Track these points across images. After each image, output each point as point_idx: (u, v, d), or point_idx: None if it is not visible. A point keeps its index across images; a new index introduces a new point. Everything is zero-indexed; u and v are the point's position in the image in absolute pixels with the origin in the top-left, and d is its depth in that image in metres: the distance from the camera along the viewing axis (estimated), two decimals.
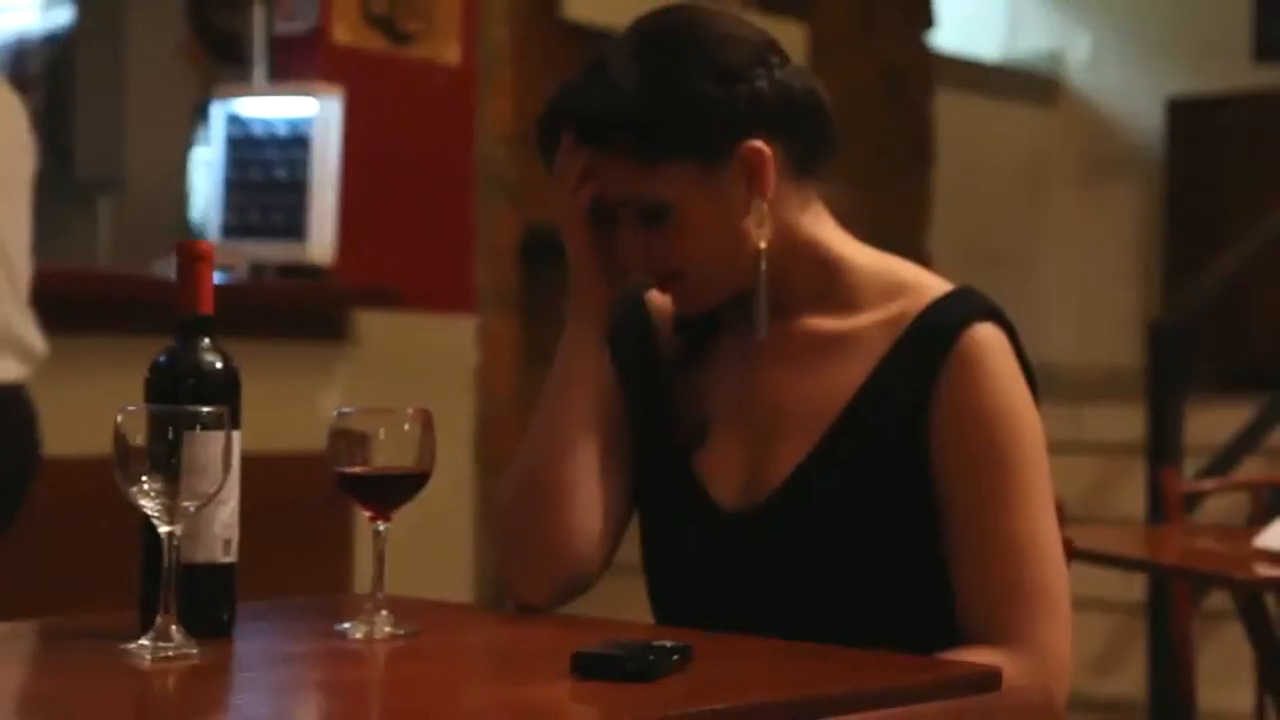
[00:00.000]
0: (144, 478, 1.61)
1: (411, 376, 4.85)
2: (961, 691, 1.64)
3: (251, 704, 1.57)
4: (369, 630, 1.75)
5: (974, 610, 1.86)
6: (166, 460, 1.61)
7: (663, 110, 1.87)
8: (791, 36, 6.47)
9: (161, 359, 1.75)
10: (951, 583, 1.87)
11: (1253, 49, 7.65)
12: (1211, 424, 5.20)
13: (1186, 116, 7.64)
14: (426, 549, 4.36)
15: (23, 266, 3.50)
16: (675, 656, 1.57)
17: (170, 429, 1.61)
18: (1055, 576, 1.86)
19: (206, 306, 1.75)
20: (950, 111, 7.28)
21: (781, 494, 1.90)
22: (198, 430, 1.62)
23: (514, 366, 5.17)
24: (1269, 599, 3.20)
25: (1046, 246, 7.97)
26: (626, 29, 1.95)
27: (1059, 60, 8.17)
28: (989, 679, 1.64)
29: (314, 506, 4.45)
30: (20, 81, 3.92)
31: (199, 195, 4.78)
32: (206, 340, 1.75)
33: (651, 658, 1.55)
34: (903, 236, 6.76)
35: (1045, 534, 1.86)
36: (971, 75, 7.83)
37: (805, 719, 1.49)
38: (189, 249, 1.75)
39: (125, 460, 1.62)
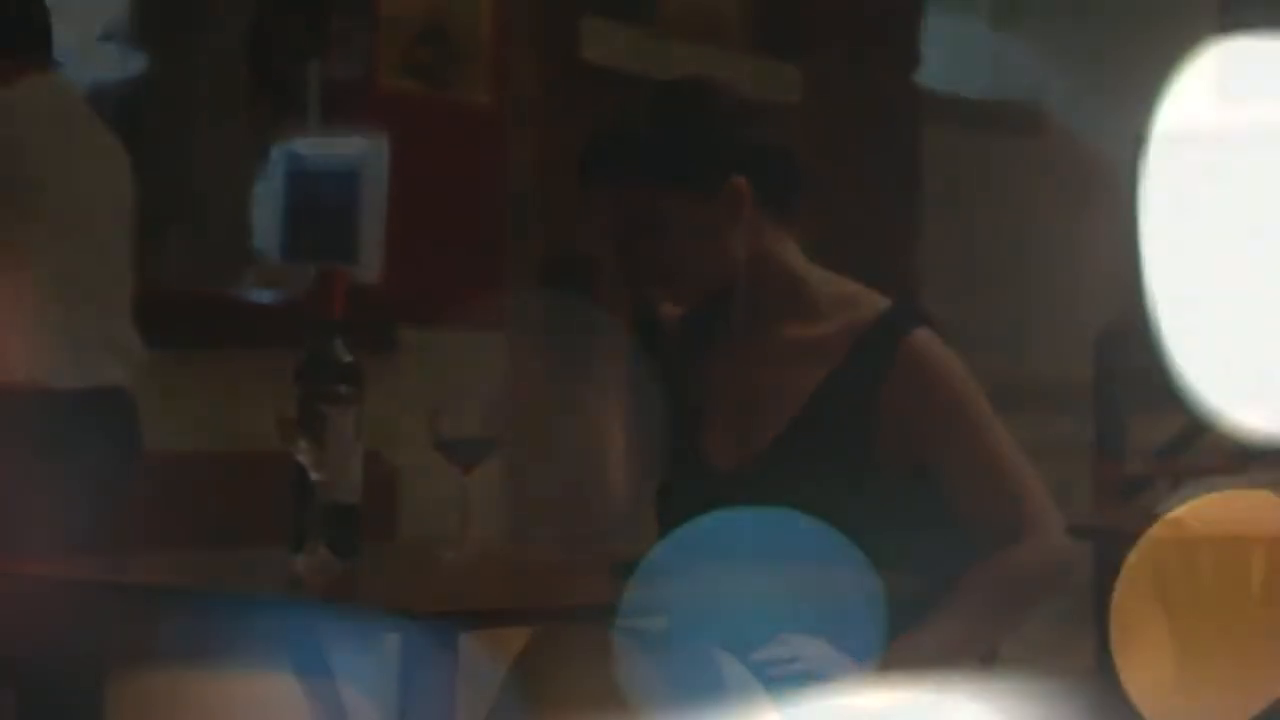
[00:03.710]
0: (300, 439, 2.22)
1: (448, 385, 5.19)
2: None
3: (382, 582, 2.20)
4: (458, 549, 2.36)
5: (983, 524, 2.41)
6: (315, 426, 2.22)
7: (670, 148, 2.46)
8: (787, 77, 6.79)
9: (308, 354, 2.34)
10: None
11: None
12: (1155, 427, 5.73)
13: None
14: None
15: (127, 283, 3.99)
16: None
17: (318, 404, 2.22)
18: (1023, 468, 2.43)
19: (339, 314, 2.35)
20: (937, 144, 7.65)
21: (764, 459, 2.49)
22: (337, 405, 2.23)
23: (539, 377, 5.56)
24: None
25: (1027, 269, 8.30)
26: (648, 90, 2.55)
27: (1039, 96, 8.57)
28: None
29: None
30: None
31: (261, 224, 5.25)
32: (340, 340, 2.35)
33: None
34: (893, 260, 7.00)
35: (1004, 441, 2.44)
36: (956, 110, 8.15)
37: None
38: (328, 273, 2.35)
39: (285, 426, 2.22)
